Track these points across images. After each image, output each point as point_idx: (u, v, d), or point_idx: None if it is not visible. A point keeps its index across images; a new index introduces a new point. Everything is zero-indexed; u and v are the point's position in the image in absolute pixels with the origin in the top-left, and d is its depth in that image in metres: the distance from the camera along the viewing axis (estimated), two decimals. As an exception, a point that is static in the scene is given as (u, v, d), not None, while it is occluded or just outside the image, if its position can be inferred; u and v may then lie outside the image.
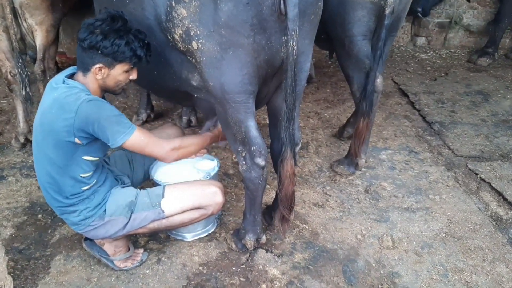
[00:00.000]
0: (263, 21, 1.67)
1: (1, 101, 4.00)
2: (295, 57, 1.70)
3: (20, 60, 2.99)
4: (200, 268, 2.23)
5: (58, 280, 2.14)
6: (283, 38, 1.69)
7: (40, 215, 2.58)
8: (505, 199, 2.74)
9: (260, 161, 1.99)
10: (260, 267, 2.22)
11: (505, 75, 4.71)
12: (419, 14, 4.65)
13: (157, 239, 2.42)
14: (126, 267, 2.20)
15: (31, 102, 3.13)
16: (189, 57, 1.85)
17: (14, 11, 2.82)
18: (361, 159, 2.92)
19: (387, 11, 2.35)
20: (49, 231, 2.47)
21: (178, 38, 1.79)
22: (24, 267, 2.21)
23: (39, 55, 3.04)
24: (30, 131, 3.18)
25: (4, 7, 2.76)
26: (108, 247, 2.17)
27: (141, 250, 2.29)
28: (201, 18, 1.69)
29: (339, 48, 2.70)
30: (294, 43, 1.66)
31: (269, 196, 2.71)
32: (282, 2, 1.61)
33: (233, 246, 2.33)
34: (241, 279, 2.16)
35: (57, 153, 1.85)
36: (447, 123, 3.69)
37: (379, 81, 2.65)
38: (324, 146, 3.37)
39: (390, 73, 4.77)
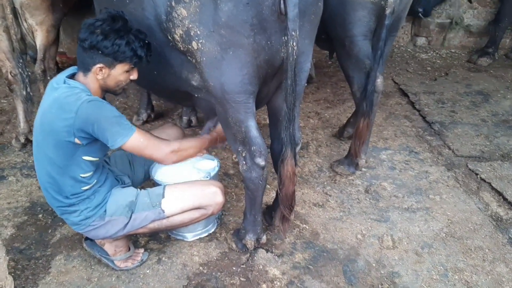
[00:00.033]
0: (263, 21, 1.67)
1: (2, 101, 4.00)
2: (295, 57, 1.70)
3: (21, 60, 2.99)
4: (201, 268, 2.23)
5: (58, 280, 2.14)
6: (283, 38, 1.69)
7: (40, 215, 2.58)
8: (505, 199, 2.74)
9: (260, 161, 1.99)
10: (261, 267, 2.23)
11: (505, 75, 4.71)
12: (420, 14, 4.66)
13: (158, 239, 2.42)
14: (126, 267, 2.20)
15: (32, 102, 3.13)
16: (189, 57, 1.85)
17: (14, 11, 2.82)
18: (361, 159, 2.92)
19: (388, 11, 2.35)
20: (50, 231, 2.47)
21: (178, 38, 1.79)
22: (24, 267, 2.21)
23: (40, 55, 3.04)
24: (30, 131, 3.19)
25: (5, 7, 2.76)
26: (108, 247, 2.17)
27: (142, 250, 2.29)
28: (201, 18, 1.69)
29: (340, 48, 2.70)
30: (294, 43, 1.66)
31: (269, 196, 2.71)
32: (282, 2, 1.61)
33: (234, 246, 2.34)
34: (242, 279, 2.16)
35: (57, 153, 1.86)
36: (447, 123, 3.69)
37: (379, 81, 2.65)
38: (324, 146, 3.37)
39: (390, 73, 4.77)
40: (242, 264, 2.25)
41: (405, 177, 2.99)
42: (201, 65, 1.81)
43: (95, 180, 2.01)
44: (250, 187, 2.10)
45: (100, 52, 1.80)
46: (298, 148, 2.12)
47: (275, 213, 2.35)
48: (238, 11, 1.63)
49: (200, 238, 2.41)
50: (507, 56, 5.23)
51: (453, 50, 5.46)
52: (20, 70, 2.98)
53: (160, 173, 2.34)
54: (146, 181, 2.49)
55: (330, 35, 2.67)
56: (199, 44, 1.74)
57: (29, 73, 3.07)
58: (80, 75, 1.89)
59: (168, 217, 2.07)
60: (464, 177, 2.98)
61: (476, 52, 5.15)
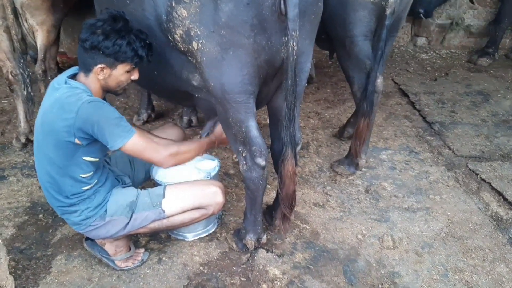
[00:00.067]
0: (264, 21, 1.67)
1: (2, 101, 4.00)
2: (295, 57, 1.70)
3: (22, 60, 2.99)
4: (201, 268, 2.23)
5: (59, 280, 2.14)
6: (283, 38, 1.69)
7: (41, 215, 2.58)
8: (505, 199, 2.74)
9: (261, 161, 2.00)
10: (261, 267, 2.23)
11: (506, 75, 4.71)
12: (421, 15, 4.66)
13: (158, 239, 2.42)
14: (127, 267, 2.20)
15: (33, 102, 3.13)
16: (189, 58, 1.86)
17: (15, 12, 2.83)
18: (361, 159, 2.92)
19: (388, 11, 2.35)
20: (50, 231, 2.47)
21: (178, 38, 1.79)
22: (25, 267, 2.22)
23: (40, 55, 3.04)
24: (31, 131, 3.19)
25: (5, 8, 2.76)
26: (109, 247, 2.17)
27: (142, 250, 2.30)
28: (201, 18, 1.69)
29: (340, 48, 2.70)
30: (295, 44, 1.67)
31: (269, 196, 2.71)
32: (282, 2, 1.61)
33: (234, 246, 2.34)
34: (242, 279, 2.16)
35: (57, 153, 1.86)
36: (447, 123, 3.69)
37: (379, 81, 2.65)
38: (325, 146, 3.37)
39: (390, 73, 4.77)
40: (243, 264, 2.25)
41: (405, 177, 2.99)
42: (201, 65, 1.81)
43: (96, 180, 2.01)
44: (250, 187, 2.10)
45: (101, 52, 1.80)
46: (298, 148, 2.12)
47: (276, 213, 2.36)
48: (238, 11, 1.63)
49: (201, 238, 2.42)
50: (507, 56, 5.23)
51: (453, 50, 5.46)
52: (21, 70, 2.99)
53: (160, 173, 2.34)
54: (147, 181, 2.50)
55: (330, 35, 2.68)
56: (199, 44, 1.74)
57: (30, 73, 3.07)
58: (81, 76, 1.90)
59: (168, 217, 2.07)
60: (464, 177, 2.99)
61: (476, 52, 5.15)
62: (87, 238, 2.26)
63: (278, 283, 2.14)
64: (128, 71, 1.91)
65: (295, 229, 2.49)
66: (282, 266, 2.24)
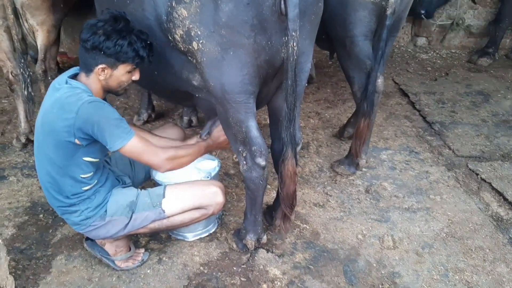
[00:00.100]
0: (264, 21, 1.67)
1: (3, 101, 4.01)
2: (295, 57, 1.70)
3: (22, 60, 2.99)
4: (201, 268, 2.23)
5: (59, 280, 2.14)
6: (283, 38, 1.70)
7: (41, 215, 2.58)
8: (505, 199, 2.74)
9: (261, 161, 2.00)
10: (261, 267, 2.23)
11: (506, 75, 4.71)
12: (422, 16, 4.66)
13: (158, 239, 2.42)
14: (127, 267, 2.20)
15: (33, 102, 3.13)
16: (189, 58, 1.86)
17: (15, 12, 2.83)
18: (361, 159, 2.92)
19: (388, 11, 2.35)
20: (50, 231, 2.47)
21: (178, 38, 1.79)
22: (25, 267, 2.22)
23: (41, 55, 3.05)
24: (31, 131, 3.19)
25: (6, 8, 2.76)
26: (109, 247, 2.17)
27: (142, 250, 2.30)
28: (201, 18, 1.69)
29: (340, 48, 2.70)
30: (295, 44, 1.67)
31: (269, 196, 2.71)
32: (282, 2, 1.61)
33: (234, 246, 2.34)
34: (242, 279, 2.16)
35: (57, 153, 1.86)
36: (447, 123, 3.69)
37: (380, 81, 2.65)
38: (325, 146, 3.37)
39: (390, 73, 4.77)
40: (243, 264, 2.25)
41: (406, 177, 2.99)
42: (201, 65, 1.81)
43: (96, 181, 2.01)
44: (250, 187, 2.10)
45: (102, 52, 1.80)
46: (298, 148, 2.12)
47: (276, 213, 2.36)
48: (238, 12, 1.64)
49: (201, 238, 2.42)
50: (507, 56, 5.23)
51: (453, 50, 5.46)
52: (21, 70, 2.99)
53: (160, 173, 2.34)
54: (147, 181, 2.50)
55: (331, 35, 2.68)
56: (199, 44, 1.74)
57: (30, 73, 3.07)
58: (82, 76, 1.90)
59: (168, 217, 2.07)
60: (464, 177, 2.99)
61: (476, 52, 5.15)
62: (87, 238, 2.26)
63: (278, 283, 2.14)
64: (129, 72, 1.91)
65: (295, 229, 2.49)
66: (282, 266, 2.24)
